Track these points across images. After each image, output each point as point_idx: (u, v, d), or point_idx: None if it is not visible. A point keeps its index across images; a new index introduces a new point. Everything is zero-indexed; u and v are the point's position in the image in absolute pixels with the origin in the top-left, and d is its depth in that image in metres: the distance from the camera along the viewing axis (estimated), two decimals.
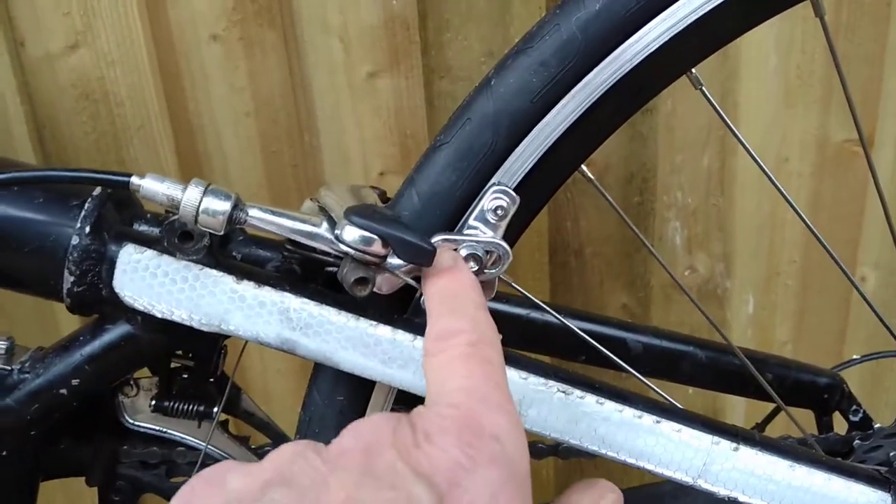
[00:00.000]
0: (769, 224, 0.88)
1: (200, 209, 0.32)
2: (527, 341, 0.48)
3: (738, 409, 0.92)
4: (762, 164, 0.45)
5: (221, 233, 0.33)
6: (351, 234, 0.32)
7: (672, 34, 0.38)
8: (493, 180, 0.39)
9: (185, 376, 0.44)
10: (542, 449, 0.51)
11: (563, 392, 0.37)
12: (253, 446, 0.50)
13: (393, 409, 0.40)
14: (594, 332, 0.49)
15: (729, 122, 0.43)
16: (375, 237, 0.32)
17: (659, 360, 0.50)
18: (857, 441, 0.49)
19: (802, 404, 0.55)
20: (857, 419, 0.55)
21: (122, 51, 0.75)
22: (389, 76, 0.79)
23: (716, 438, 0.36)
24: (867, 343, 0.92)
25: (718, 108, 0.42)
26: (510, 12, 0.78)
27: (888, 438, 0.48)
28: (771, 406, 0.57)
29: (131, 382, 0.45)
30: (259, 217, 0.33)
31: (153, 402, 0.45)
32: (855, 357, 0.61)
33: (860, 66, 0.83)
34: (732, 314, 0.93)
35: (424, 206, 0.38)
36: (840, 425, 0.56)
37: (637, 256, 0.89)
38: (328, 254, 0.35)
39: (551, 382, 0.37)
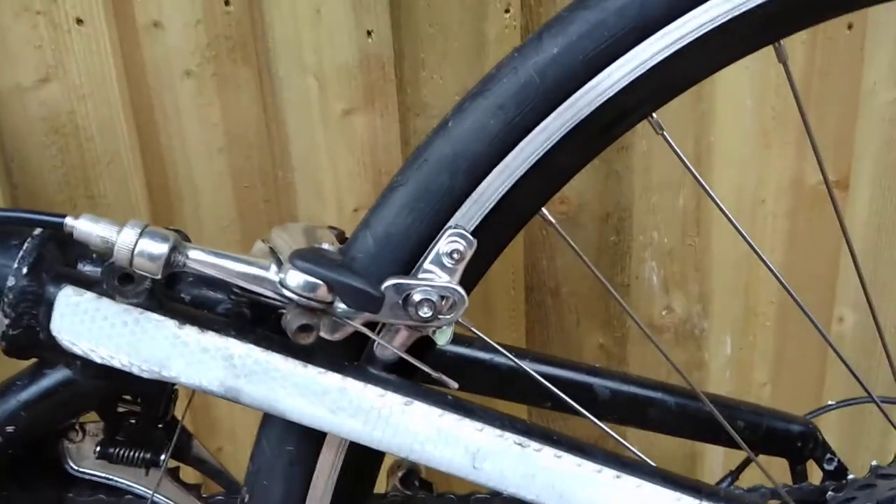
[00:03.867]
0: (746, 264, 0.88)
1: (136, 252, 0.30)
2: (492, 387, 0.47)
3: (718, 454, 0.91)
4: (728, 213, 0.44)
5: (159, 276, 0.31)
6: (295, 278, 0.31)
7: (630, 79, 0.37)
8: (450, 223, 0.38)
9: (133, 421, 0.43)
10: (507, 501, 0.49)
11: (520, 444, 0.35)
12: (205, 495, 0.48)
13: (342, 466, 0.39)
14: (560, 378, 0.47)
15: (691, 167, 0.42)
16: (320, 282, 0.31)
17: (627, 407, 0.49)
18: (830, 492, 0.47)
19: (776, 452, 0.53)
20: (831, 468, 0.54)
21: (94, 85, 0.75)
22: (364, 114, 0.79)
23: (678, 495, 0.35)
24: (847, 385, 0.91)
25: (680, 152, 0.42)
26: (485, 52, 0.78)
27: (862, 490, 0.46)
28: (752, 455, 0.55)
29: (76, 427, 0.44)
30: (200, 260, 0.32)
31: (98, 449, 0.43)
32: (830, 403, 0.60)
33: (834, 108, 0.84)
34: (710, 355, 0.92)
35: (379, 248, 0.37)
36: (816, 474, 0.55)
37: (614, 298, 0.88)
38: (275, 298, 0.34)
39: (507, 434, 0.35)
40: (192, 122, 0.77)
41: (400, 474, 0.55)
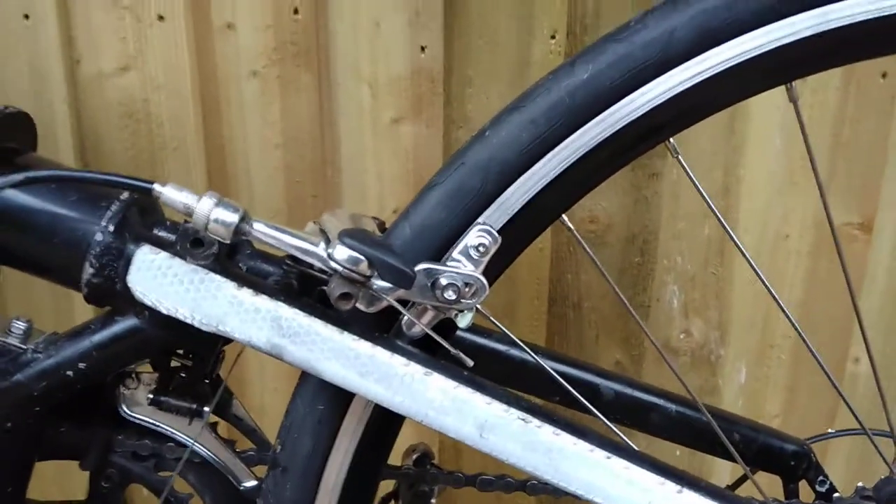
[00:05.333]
0: (766, 297, 0.91)
1: (211, 218, 0.36)
2: (505, 377, 0.51)
3: (724, 473, 0.93)
4: (741, 246, 0.48)
5: (228, 241, 0.37)
6: (341, 253, 0.36)
7: (650, 106, 0.42)
8: (478, 220, 0.42)
9: (183, 375, 0.48)
10: (510, 483, 0.53)
11: (523, 420, 0.39)
12: (238, 450, 0.53)
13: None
14: (568, 375, 0.51)
15: (706, 196, 0.46)
16: (362, 258, 0.36)
17: (629, 409, 0.52)
18: None
19: (769, 469, 0.56)
20: (822, 490, 0.57)
21: (168, 77, 0.81)
22: (412, 123, 0.84)
23: (661, 479, 0.38)
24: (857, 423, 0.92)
25: (695, 179, 0.46)
26: (528, 73, 0.83)
27: None
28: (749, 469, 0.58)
29: (133, 375, 0.49)
30: (262, 231, 0.37)
31: (150, 396, 0.48)
32: (829, 431, 0.63)
33: (863, 153, 0.87)
34: (724, 382, 0.94)
35: (414, 237, 0.42)
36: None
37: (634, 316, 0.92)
38: (322, 271, 0.39)
39: (512, 410, 0.40)
40: (254, 118, 0.83)
41: (414, 457, 0.59)
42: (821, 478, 0.57)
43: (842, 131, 0.86)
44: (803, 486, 0.58)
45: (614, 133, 0.42)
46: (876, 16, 0.39)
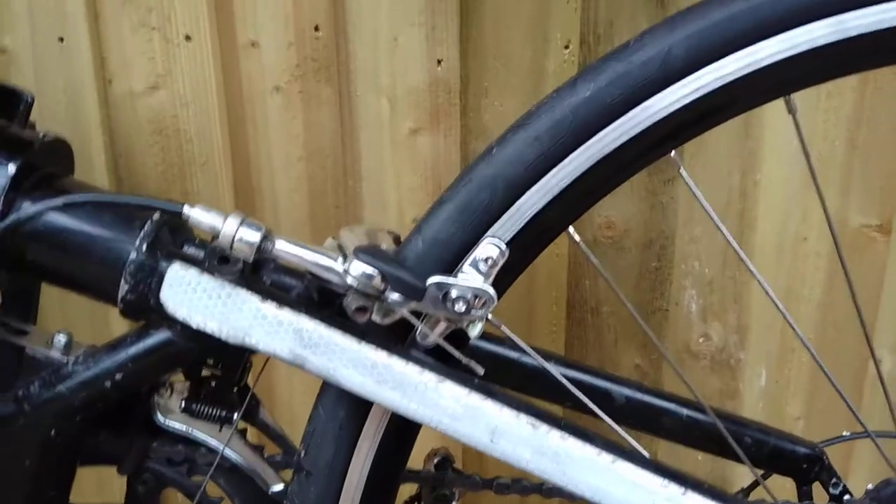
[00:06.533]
0: (785, 300, 0.91)
1: (236, 238, 0.38)
2: (518, 384, 0.53)
3: (746, 476, 0.94)
4: (741, 253, 0.49)
5: (251, 259, 0.39)
6: (356, 268, 0.39)
7: (650, 122, 0.43)
8: (487, 234, 0.44)
9: (213, 384, 0.51)
10: (526, 486, 0.55)
11: (532, 425, 0.41)
12: (266, 455, 0.55)
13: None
14: (580, 381, 0.53)
15: (713, 214, 0.48)
16: (376, 273, 0.39)
17: (640, 414, 0.54)
18: None
19: (781, 471, 0.57)
20: (836, 492, 0.58)
21: (196, 94, 0.85)
22: (430, 134, 0.87)
23: (665, 482, 0.40)
24: (880, 425, 0.92)
25: (696, 191, 0.47)
26: (544, 84, 0.85)
27: None
28: (760, 472, 0.59)
29: (166, 384, 0.52)
30: (283, 249, 0.40)
31: (183, 404, 0.51)
32: (845, 433, 0.64)
33: (883, 154, 0.87)
34: (745, 385, 0.95)
35: (426, 250, 0.44)
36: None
37: (652, 319, 0.93)
38: (339, 285, 0.41)
39: (522, 416, 0.42)
40: (278, 132, 0.86)
41: (435, 461, 0.61)
42: (834, 480, 0.58)
43: (858, 133, 0.86)
44: (817, 487, 0.59)
45: (617, 148, 0.44)
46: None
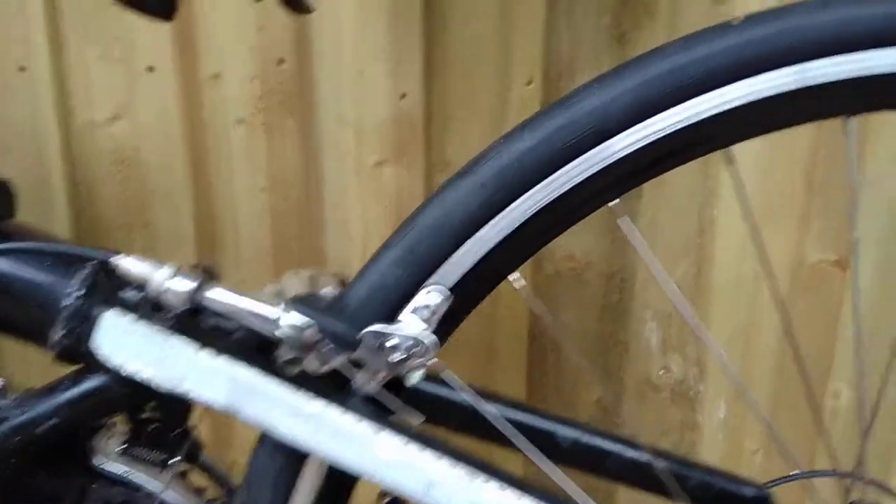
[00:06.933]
0: (743, 334, 0.92)
1: (164, 290, 0.38)
2: (462, 426, 0.53)
3: None
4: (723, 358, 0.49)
5: (181, 309, 0.39)
6: (289, 320, 0.38)
7: (594, 170, 0.44)
8: (430, 280, 0.44)
9: (153, 426, 0.50)
10: None
11: (469, 476, 0.41)
12: (208, 498, 0.55)
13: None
14: (524, 423, 0.53)
15: (653, 261, 0.48)
16: (310, 325, 0.38)
17: (586, 456, 0.54)
18: None
19: None
20: None
21: (157, 125, 0.85)
22: (394, 166, 0.87)
23: None
24: (837, 461, 0.93)
25: (638, 242, 0.48)
26: (506, 118, 0.85)
27: None
28: None
29: (105, 427, 0.51)
30: (216, 299, 0.39)
31: (122, 447, 0.50)
32: (793, 472, 0.64)
33: (838, 192, 0.88)
34: (704, 418, 0.95)
35: (369, 297, 0.44)
36: None
37: (613, 352, 0.93)
38: (273, 335, 0.41)
39: (460, 466, 0.41)
40: (241, 164, 0.86)
41: (385, 501, 0.61)
42: None
43: (815, 171, 0.88)
44: None
45: (560, 196, 0.45)
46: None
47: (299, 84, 0.85)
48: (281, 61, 0.84)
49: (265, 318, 0.40)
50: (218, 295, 0.40)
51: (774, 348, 0.93)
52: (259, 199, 0.88)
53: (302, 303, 0.39)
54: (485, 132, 0.86)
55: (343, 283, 0.49)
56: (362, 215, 0.89)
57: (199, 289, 0.39)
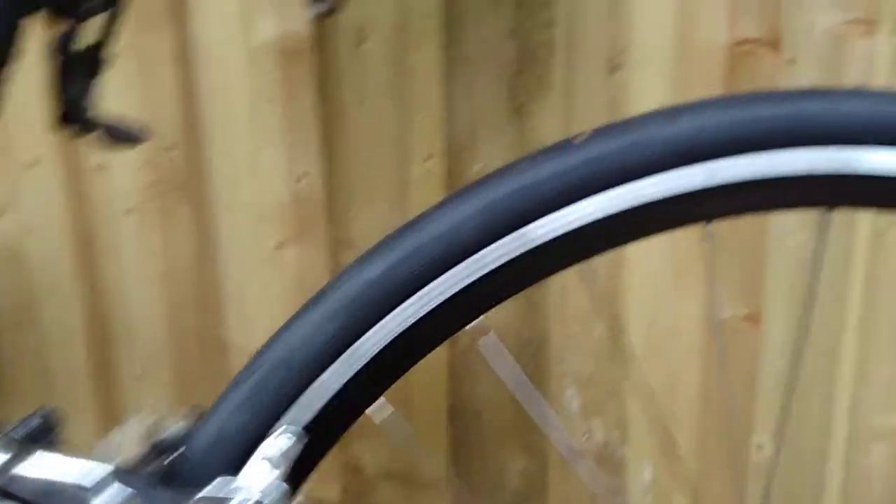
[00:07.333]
0: (663, 394, 0.91)
1: None
2: None
3: None
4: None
5: None
6: (112, 496, 0.35)
7: (448, 294, 0.42)
8: (282, 420, 0.42)
9: None
10: None
11: None
12: None
13: None
14: None
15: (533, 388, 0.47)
16: (135, 496, 0.36)
17: None
18: None
19: None
20: None
21: (42, 220, 0.81)
22: (296, 247, 0.85)
23: None
24: None
25: (496, 366, 0.46)
26: (408, 194, 0.84)
27: None
28: None
29: None
30: (25, 474, 0.36)
31: None
32: None
33: (745, 249, 0.89)
34: (630, 481, 0.94)
35: (213, 444, 0.41)
36: None
37: (535, 422, 0.91)
38: None
39: None
40: (132, 254, 0.83)
41: None
42: None
43: (719, 228, 0.88)
44: None
45: (417, 321, 0.43)
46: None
47: (192, 169, 0.82)
48: (171, 147, 0.81)
49: (86, 490, 0.37)
50: (24, 471, 0.36)
51: (697, 405, 0.93)
52: (152, 289, 0.84)
53: (126, 473, 0.36)
54: (388, 207, 0.84)
55: (198, 416, 0.46)
56: (266, 299, 0.86)
57: (10, 463, 0.36)
